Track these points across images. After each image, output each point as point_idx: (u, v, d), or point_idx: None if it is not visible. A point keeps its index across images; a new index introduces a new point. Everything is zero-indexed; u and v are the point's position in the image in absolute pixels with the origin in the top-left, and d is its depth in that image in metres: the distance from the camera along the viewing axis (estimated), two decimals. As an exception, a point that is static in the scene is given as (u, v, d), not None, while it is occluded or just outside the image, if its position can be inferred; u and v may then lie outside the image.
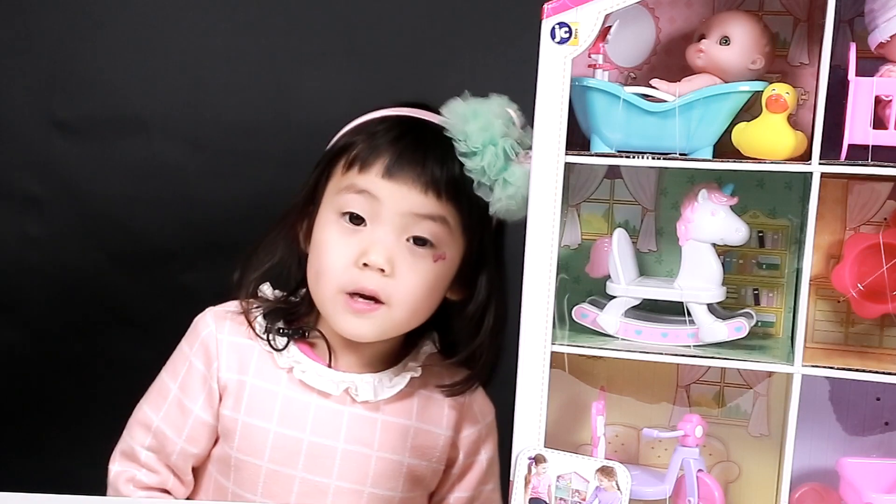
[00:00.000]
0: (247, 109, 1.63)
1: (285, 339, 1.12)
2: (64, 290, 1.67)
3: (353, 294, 1.07)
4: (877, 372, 0.91)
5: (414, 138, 1.08)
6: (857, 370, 0.91)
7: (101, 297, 1.67)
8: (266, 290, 1.16)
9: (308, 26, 1.61)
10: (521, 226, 0.95)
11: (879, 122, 0.90)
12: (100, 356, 1.67)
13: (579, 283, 1.07)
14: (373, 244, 1.06)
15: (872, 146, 0.89)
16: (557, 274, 0.94)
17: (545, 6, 0.92)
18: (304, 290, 1.14)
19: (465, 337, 1.13)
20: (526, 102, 0.95)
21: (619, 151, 0.95)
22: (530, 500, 0.96)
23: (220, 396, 1.12)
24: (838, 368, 0.91)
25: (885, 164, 0.88)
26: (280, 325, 1.13)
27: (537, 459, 0.96)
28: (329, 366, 1.12)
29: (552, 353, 0.95)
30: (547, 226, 0.93)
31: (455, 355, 1.15)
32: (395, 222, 1.06)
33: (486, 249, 1.12)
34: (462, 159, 1.03)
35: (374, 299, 1.06)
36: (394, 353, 1.15)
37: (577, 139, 0.97)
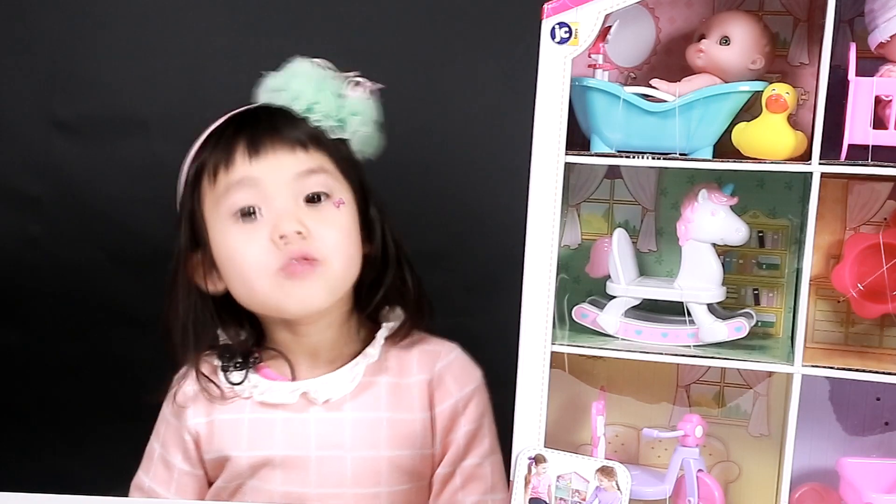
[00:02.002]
0: (247, 109, 1.62)
1: (242, 372, 1.12)
2: (64, 290, 1.67)
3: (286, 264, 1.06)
4: (877, 372, 0.91)
5: (253, 117, 1.11)
6: (857, 370, 0.91)
7: (101, 297, 1.67)
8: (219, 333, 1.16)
9: (308, 26, 1.60)
10: (522, 226, 0.95)
11: (879, 122, 0.90)
12: (100, 356, 1.67)
13: (579, 283, 1.07)
14: (278, 218, 1.06)
15: (872, 146, 0.89)
16: (557, 274, 0.94)
17: (545, 6, 0.92)
18: (243, 319, 1.14)
19: (393, 281, 1.15)
20: (526, 102, 0.94)
21: (619, 151, 0.95)
22: (530, 500, 0.96)
23: (197, 444, 1.13)
24: (838, 368, 0.91)
25: (885, 164, 0.88)
26: (237, 360, 1.13)
27: (537, 459, 0.96)
28: (293, 379, 1.12)
29: (552, 353, 0.95)
30: (547, 226, 0.93)
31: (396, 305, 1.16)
32: (283, 192, 1.07)
33: (367, 189, 1.14)
34: (307, 115, 1.08)
35: (308, 260, 1.06)
36: (351, 346, 1.14)
37: (577, 139, 0.97)
